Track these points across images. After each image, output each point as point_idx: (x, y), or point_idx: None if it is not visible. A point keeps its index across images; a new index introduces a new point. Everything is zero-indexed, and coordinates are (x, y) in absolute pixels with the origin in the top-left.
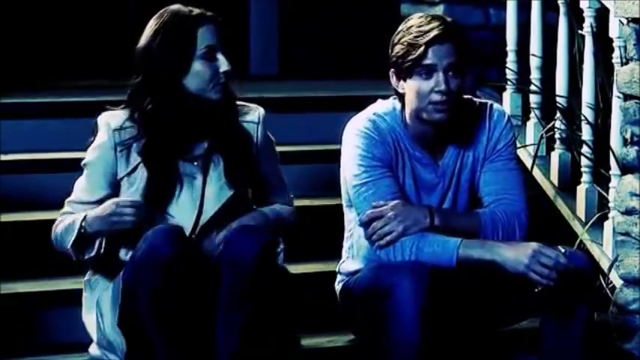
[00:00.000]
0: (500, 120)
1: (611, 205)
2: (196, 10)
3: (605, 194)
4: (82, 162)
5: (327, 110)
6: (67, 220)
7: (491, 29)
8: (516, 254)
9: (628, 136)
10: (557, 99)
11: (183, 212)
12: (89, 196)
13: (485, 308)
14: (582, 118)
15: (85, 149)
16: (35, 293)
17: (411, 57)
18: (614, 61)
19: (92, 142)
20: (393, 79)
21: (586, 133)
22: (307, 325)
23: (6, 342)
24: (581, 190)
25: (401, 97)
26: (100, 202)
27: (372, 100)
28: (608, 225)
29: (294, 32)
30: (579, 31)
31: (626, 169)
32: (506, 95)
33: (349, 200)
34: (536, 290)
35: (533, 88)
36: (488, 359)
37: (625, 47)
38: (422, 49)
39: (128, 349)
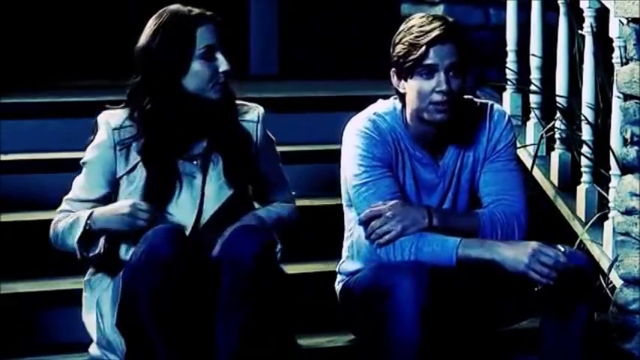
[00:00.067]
0: (500, 121)
1: (611, 205)
2: (195, 10)
3: (605, 194)
4: (81, 160)
5: (327, 110)
6: (69, 218)
7: (491, 29)
8: (516, 253)
9: (628, 136)
10: (557, 99)
11: (183, 211)
12: (88, 194)
13: (485, 308)
14: (582, 118)
15: (84, 148)
16: (35, 293)
17: (412, 57)
18: (614, 61)
19: (92, 140)
20: (394, 79)
21: (586, 133)
22: (307, 325)
23: (6, 342)
24: (581, 190)
25: (402, 97)
26: (98, 200)
27: (372, 100)
28: (608, 225)
29: (294, 32)
30: (579, 31)
31: (626, 169)
32: (506, 95)
33: (349, 200)
34: (536, 289)
35: (533, 88)
36: (488, 359)
37: (625, 47)
38: (423, 49)
39: (128, 349)
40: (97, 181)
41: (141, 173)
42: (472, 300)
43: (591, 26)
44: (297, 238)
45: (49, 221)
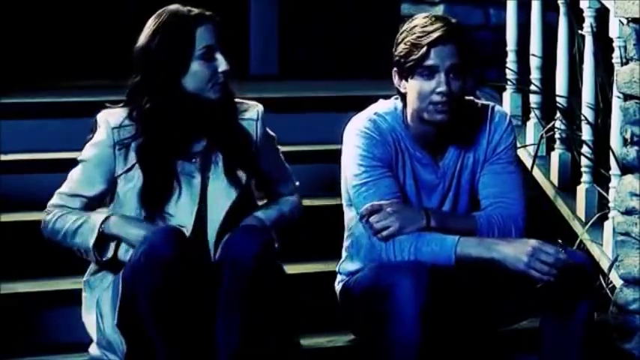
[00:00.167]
0: (501, 122)
1: (611, 205)
2: (195, 10)
3: (605, 194)
4: (79, 157)
5: (327, 110)
6: (73, 216)
7: (491, 29)
8: (515, 252)
9: (628, 136)
10: (557, 99)
11: (182, 211)
12: (84, 191)
13: (485, 308)
14: (582, 118)
15: (83, 147)
16: (35, 293)
17: (413, 57)
18: (614, 61)
19: (90, 138)
20: (396, 79)
21: (586, 133)
22: (307, 325)
23: (6, 342)
24: (581, 190)
25: (403, 97)
26: (94, 197)
27: (372, 100)
28: (608, 225)
29: (294, 32)
30: (579, 31)
31: (626, 169)
32: (506, 95)
33: (349, 200)
34: (537, 286)
35: (533, 88)
36: (488, 359)
37: (625, 47)
38: (424, 49)
39: (128, 349)
40: (94, 179)
41: (139, 172)
42: (472, 300)
43: (591, 26)
44: (297, 238)
45: None
